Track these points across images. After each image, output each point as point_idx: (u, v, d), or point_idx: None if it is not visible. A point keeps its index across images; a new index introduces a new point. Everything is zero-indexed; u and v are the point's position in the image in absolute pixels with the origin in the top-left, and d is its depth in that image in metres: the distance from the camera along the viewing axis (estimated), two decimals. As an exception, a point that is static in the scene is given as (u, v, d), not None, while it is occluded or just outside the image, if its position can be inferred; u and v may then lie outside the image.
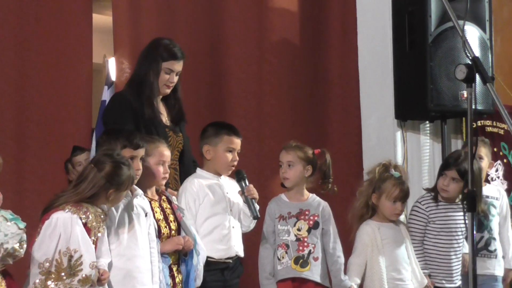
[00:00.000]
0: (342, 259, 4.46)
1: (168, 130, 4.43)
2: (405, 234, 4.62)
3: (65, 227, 3.41)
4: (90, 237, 3.47)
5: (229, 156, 4.32)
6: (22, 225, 3.41)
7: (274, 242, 4.39)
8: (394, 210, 4.54)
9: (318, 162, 4.50)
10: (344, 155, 5.60)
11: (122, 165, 3.54)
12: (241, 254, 4.34)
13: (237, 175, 4.32)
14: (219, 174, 4.36)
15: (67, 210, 3.44)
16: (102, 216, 3.57)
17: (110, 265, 3.63)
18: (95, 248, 3.52)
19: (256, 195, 4.29)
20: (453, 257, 4.73)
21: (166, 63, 4.39)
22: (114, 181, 3.51)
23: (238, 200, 4.33)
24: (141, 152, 3.82)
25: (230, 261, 4.27)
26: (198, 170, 4.37)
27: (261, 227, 4.45)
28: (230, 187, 4.35)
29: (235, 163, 4.34)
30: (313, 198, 4.52)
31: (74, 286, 3.40)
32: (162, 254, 3.88)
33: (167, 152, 4.03)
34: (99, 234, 3.54)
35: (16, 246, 3.38)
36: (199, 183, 4.28)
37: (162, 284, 3.81)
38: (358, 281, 4.47)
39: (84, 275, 3.40)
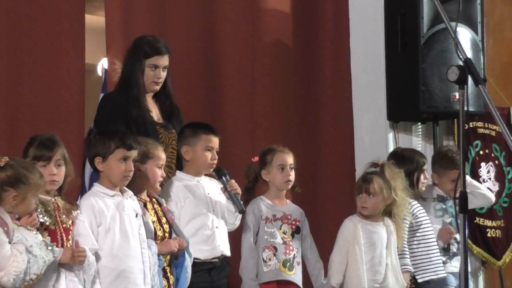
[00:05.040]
0: (321, 263, 4.48)
1: (159, 127, 4.43)
2: (390, 232, 4.52)
3: None
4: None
5: (208, 155, 4.29)
6: (56, 252, 3.40)
7: (257, 242, 4.37)
8: None
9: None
10: (336, 156, 5.60)
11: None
12: (228, 253, 4.32)
13: (217, 173, 4.31)
14: (199, 175, 4.33)
15: None
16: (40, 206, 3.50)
17: (98, 256, 3.65)
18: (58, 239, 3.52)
19: (239, 190, 4.28)
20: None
21: (150, 59, 4.41)
22: None
23: (220, 199, 4.31)
24: (133, 153, 3.82)
25: (217, 260, 4.25)
26: (178, 172, 4.35)
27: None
28: (211, 187, 4.34)
29: (215, 161, 4.32)
30: (291, 203, 4.54)
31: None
32: (158, 256, 3.89)
33: (163, 155, 4.05)
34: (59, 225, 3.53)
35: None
36: (179, 185, 4.26)
37: (157, 286, 3.81)
38: (341, 279, 4.44)
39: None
